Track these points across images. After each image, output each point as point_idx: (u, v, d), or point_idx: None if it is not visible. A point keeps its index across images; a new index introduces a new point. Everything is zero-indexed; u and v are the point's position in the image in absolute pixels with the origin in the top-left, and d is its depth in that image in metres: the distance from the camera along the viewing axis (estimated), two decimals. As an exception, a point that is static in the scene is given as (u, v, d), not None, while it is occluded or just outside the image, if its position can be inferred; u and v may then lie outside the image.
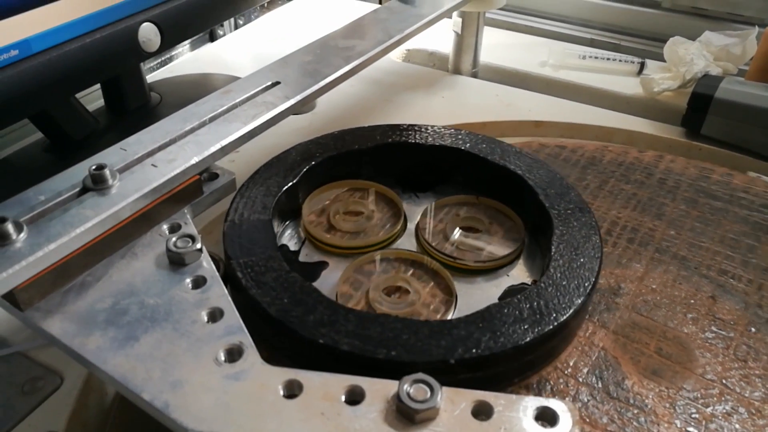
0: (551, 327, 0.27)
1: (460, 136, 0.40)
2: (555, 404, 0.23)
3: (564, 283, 0.30)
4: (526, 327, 0.27)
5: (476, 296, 0.33)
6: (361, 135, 0.40)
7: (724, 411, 0.29)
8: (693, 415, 0.28)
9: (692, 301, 0.34)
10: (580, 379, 0.29)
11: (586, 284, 0.30)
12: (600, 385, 0.29)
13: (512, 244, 0.36)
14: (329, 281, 0.34)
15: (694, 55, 0.54)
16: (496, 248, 0.36)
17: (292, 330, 0.27)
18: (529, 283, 0.34)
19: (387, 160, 0.40)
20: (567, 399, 0.28)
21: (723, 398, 0.29)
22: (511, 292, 0.33)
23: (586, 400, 0.29)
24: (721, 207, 0.41)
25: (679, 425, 0.28)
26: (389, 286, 0.34)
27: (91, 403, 0.31)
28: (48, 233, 0.26)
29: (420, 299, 0.33)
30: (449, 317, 0.32)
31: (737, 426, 0.28)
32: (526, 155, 0.39)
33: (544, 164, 0.38)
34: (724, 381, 0.30)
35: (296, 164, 0.37)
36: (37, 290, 0.26)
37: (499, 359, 0.27)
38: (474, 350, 0.26)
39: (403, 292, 0.33)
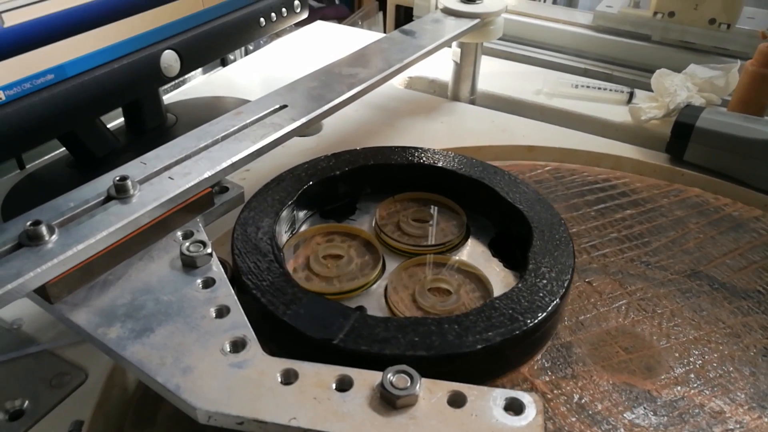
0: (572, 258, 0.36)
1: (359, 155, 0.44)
2: (522, 396, 0.25)
3: (551, 233, 0.37)
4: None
5: (476, 257, 0.41)
6: (282, 188, 0.40)
7: (700, 357, 0.34)
8: (700, 379, 0.33)
9: (585, 295, 0.38)
10: (641, 423, 0.31)
11: (564, 227, 0.38)
12: (652, 415, 0.31)
13: (460, 216, 0.43)
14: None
15: (678, 87, 0.57)
16: (456, 221, 0.43)
17: (461, 354, 0.29)
18: (494, 234, 0.42)
19: (311, 200, 0.42)
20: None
21: (687, 351, 0.35)
22: (497, 240, 0.42)
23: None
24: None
25: (708, 393, 0.32)
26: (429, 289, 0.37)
27: (114, 396, 0.34)
28: (76, 236, 0.30)
29: (460, 289, 0.37)
30: (495, 293, 0.37)
31: (716, 360, 0.34)
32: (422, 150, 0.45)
33: (444, 153, 0.45)
34: (672, 338, 0.35)
35: (263, 234, 0.36)
36: (65, 286, 0.29)
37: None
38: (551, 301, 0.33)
39: (440, 290, 0.37)
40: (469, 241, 0.42)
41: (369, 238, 0.41)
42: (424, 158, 0.44)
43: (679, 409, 0.32)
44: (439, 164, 0.44)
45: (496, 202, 0.41)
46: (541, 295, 0.33)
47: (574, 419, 0.31)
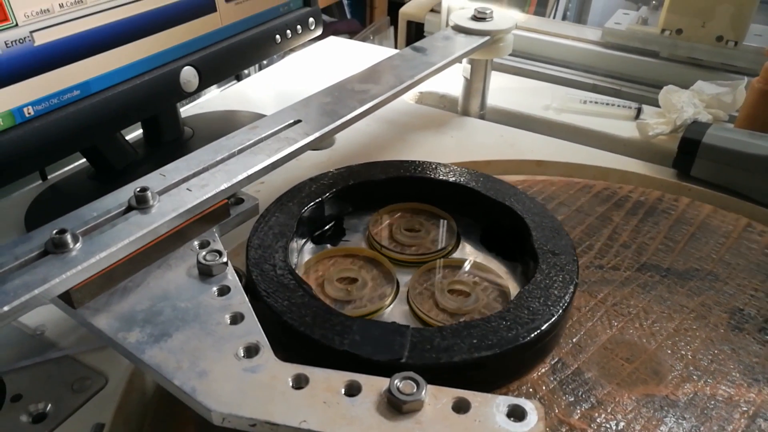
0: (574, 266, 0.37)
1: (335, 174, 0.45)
2: (525, 403, 0.26)
3: (542, 221, 0.40)
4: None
5: (474, 256, 0.43)
6: (277, 222, 0.40)
7: (687, 348, 0.36)
8: (698, 369, 0.35)
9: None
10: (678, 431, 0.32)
11: (550, 212, 0.41)
12: (683, 420, 0.32)
13: (448, 221, 0.45)
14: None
15: (685, 103, 0.58)
16: (445, 225, 0.45)
17: (520, 346, 0.32)
18: (481, 231, 0.44)
19: (305, 228, 0.42)
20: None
21: (675, 345, 0.37)
22: (488, 234, 0.44)
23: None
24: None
25: (711, 381, 0.35)
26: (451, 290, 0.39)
27: (133, 400, 0.35)
28: (99, 244, 0.31)
29: (476, 288, 0.39)
30: (513, 292, 0.39)
31: (700, 347, 0.37)
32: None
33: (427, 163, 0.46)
34: (657, 335, 0.37)
35: (281, 270, 0.36)
36: (88, 291, 0.31)
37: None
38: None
39: (458, 292, 0.39)
40: (462, 241, 0.43)
41: (373, 256, 0.41)
42: (402, 170, 0.45)
43: (699, 405, 0.33)
44: (416, 174, 0.45)
45: (479, 201, 0.43)
46: (560, 279, 0.35)
47: None
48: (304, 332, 0.31)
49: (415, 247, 0.42)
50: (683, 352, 0.36)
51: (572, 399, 0.33)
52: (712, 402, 0.33)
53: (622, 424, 0.32)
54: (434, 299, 0.38)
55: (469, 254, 0.42)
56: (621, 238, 0.45)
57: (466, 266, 0.41)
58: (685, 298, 0.40)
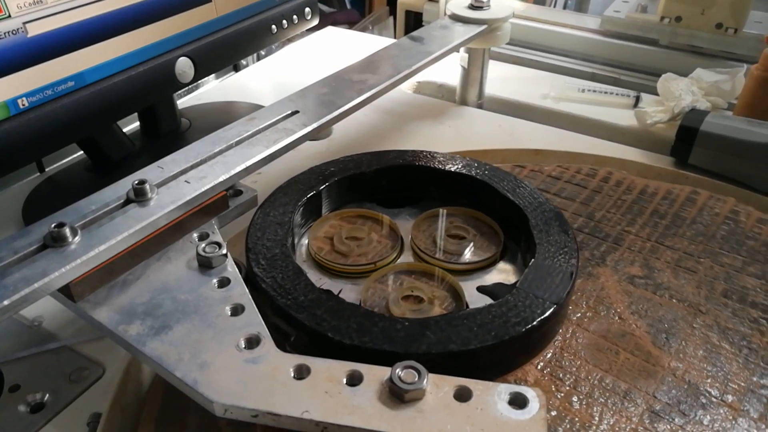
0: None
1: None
2: (526, 390, 0.26)
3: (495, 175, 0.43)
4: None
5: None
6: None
7: (685, 333, 0.36)
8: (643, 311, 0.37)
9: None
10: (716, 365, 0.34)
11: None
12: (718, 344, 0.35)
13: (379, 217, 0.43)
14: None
15: (683, 91, 0.58)
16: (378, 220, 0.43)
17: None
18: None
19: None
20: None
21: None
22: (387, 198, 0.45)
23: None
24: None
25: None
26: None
27: (130, 390, 0.35)
28: (98, 237, 0.31)
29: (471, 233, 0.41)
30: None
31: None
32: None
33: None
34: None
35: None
36: (87, 285, 0.31)
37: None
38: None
39: (456, 237, 0.41)
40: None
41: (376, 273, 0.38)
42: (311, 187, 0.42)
43: (696, 338, 0.35)
44: (324, 187, 0.42)
45: (369, 180, 0.44)
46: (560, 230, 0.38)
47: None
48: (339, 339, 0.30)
49: (370, 252, 0.40)
50: (619, 308, 0.37)
51: (677, 416, 0.31)
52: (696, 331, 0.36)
53: (717, 390, 0.32)
54: (436, 245, 0.41)
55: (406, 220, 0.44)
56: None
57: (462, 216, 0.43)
58: (610, 271, 0.40)
